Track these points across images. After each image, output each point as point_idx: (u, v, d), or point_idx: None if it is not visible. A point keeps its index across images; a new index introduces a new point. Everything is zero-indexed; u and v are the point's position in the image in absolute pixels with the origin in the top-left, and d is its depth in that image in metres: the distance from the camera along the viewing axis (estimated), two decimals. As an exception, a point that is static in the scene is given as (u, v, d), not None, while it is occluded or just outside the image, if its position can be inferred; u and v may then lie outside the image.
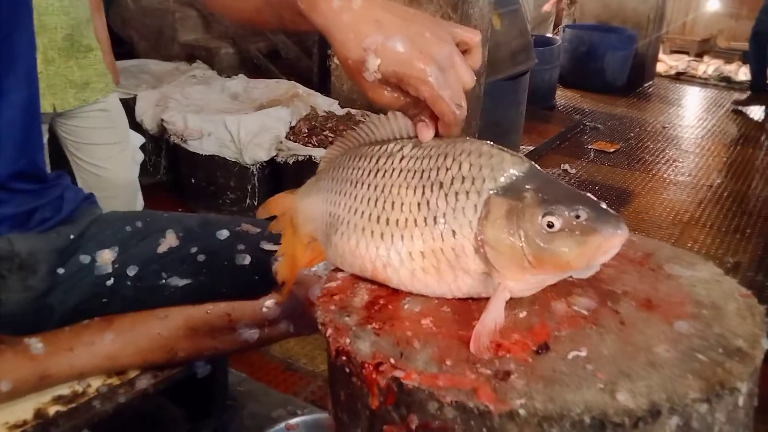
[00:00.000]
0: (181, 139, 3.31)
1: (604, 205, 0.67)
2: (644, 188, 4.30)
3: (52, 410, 0.99)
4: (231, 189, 3.37)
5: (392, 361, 0.64)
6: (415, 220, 0.72)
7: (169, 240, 1.17)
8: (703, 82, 6.92)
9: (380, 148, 0.78)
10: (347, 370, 0.68)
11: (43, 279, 1.10)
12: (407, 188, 0.73)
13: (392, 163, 0.76)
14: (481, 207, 0.69)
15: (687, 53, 7.50)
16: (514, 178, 0.70)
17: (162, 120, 3.40)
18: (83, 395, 1.02)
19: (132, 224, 1.19)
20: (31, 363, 1.00)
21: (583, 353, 0.64)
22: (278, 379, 2.35)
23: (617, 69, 6.22)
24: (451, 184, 0.71)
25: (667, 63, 7.20)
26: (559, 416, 0.57)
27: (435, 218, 0.71)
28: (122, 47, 4.36)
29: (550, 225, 0.66)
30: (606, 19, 6.44)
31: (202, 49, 4.45)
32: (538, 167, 0.72)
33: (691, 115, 5.96)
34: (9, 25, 1.06)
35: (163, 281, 1.13)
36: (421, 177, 0.73)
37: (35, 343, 1.01)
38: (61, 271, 1.11)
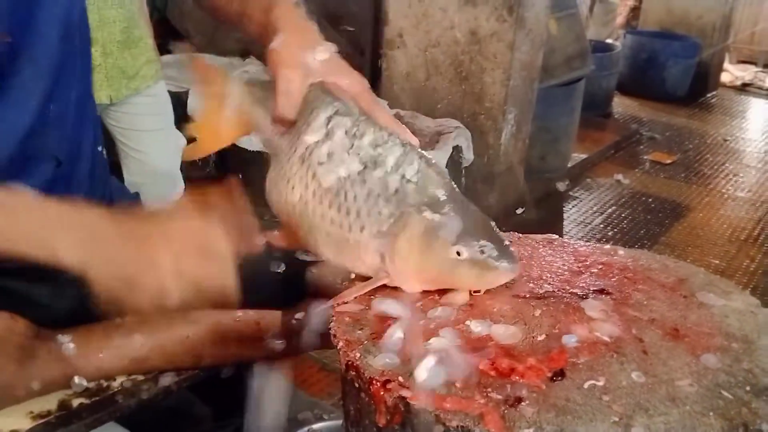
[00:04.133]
0: (231, 134, 3.34)
1: (506, 241, 0.75)
2: (700, 203, 4.15)
3: (76, 402, 1.00)
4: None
5: (401, 379, 0.63)
6: (330, 202, 0.75)
7: None
8: (770, 94, 6.67)
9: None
10: (357, 385, 0.66)
11: None
12: (342, 164, 0.76)
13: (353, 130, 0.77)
14: (397, 218, 0.73)
15: (755, 64, 7.24)
16: (436, 198, 0.74)
17: (213, 115, 3.43)
18: (107, 389, 1.03)
19: None
20: (61, 365, 1.01)
21: (601, 383, 0.61)
22: (312, 379, 2.34)
23: (679, 78, 6.01)
24: (377, 180, 0.74)
25: (732, 73, 6.95)
26: (568, 449, 0.55)
27: (348, 210, 0.74)
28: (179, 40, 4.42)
29: (459, 253, 0.72)
30: (669, 26, 6.24)
31: (256, 44, 4.47)
32: (458, 190, 0.76)
33: (755, 128, 5.74)
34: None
35: None
36: (358, 154, 0.75)
37: (67, 342, 1.02)
38: None
